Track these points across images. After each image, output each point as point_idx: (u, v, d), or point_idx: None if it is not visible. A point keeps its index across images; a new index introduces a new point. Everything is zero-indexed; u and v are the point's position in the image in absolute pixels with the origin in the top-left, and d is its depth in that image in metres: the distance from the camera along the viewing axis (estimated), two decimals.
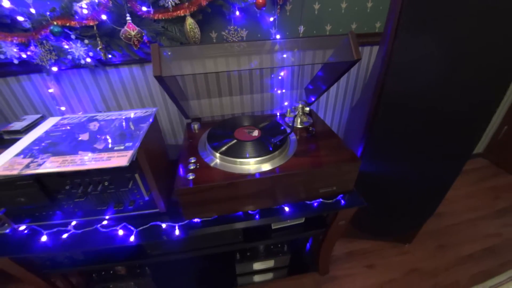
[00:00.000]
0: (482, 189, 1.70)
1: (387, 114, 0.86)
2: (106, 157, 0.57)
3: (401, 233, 1.23)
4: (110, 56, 0.90)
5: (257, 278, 1.11)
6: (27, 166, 0.56)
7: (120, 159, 0.57)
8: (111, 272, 0.99)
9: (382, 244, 1.32)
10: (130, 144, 0.62)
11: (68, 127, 0.72)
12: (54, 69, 0.89)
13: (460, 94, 0.77)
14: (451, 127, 0.84)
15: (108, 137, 0.66)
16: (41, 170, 0.55)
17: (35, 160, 0.58)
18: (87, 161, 0.57)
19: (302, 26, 1.02)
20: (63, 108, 0.99)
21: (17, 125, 0.72)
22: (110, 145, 0.62)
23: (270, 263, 1.09)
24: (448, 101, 0.79)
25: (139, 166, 0.68)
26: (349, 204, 0.83)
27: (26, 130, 0.72)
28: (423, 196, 1.04)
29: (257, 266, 1.08)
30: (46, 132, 0.70)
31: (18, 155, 0.61)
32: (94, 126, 0.72)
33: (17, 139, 0.71)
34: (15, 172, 0.55)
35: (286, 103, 1.20)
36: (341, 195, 0.84)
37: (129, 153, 0.58)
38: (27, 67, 0.91)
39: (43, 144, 0.64)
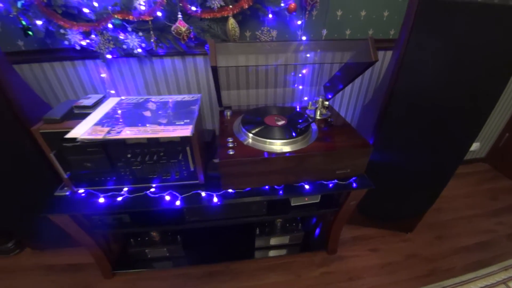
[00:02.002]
0: (482, 190, 1.86)
1: (397, 111, 1.02)
2: (172, 129, 0.74)
3: (404, 219, 1.39)
4: (158, 48, 1.07)
5: (272, 253, 1.27)
6: (109, 132, 0.72)
7: (184, 131, 0.73)
8: (146, 238, 1.16)
9: (385, 232, 1.48)
10: (188, 120, 0.78)
11: (130, 106, 0.88)
12: (109, 56, 1.06)
13: (460, 93, 0.94)
14: (453, 122, 1.00)
15: (168, 113, 0.82)
16: (121, 136, 0.71)
17: (113, 129, 0.74)
18: (156, 131, 0.73)
19: (325, 30, 1.18)
20: (112, 91, 1.16)
21: (85, 102, 0.88)
22: (173, 120, 0.78)
23: (285, 239, 1.25)
24: (450, 99, 0.95)
25: (189, 140, 0.84)
26: (360, 186, 0.99)
27: (94, 106, 0.88)
28: (426, 184, 1.20)
29: (273, 241, 1.24)
30: (113, 108, 0.86)
31: (95, 124, 0.77)
32: (152, 105, 0.88)
33: (86, 113, 0.87)
34: (100, 137, 0.71)
35: (305, 98, 1.37)
36: (353, 178, 1.01)
37: (190, 127, 0.75)
38: (83, 53, 1.07)
39: (115, 117, 0.81)
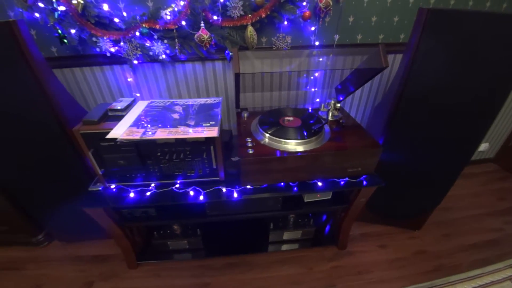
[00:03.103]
0: (490, 190, 1.91)
1: (406, 112, 1.09)
2: (201, 130, 0.83)
3: (412, 216, 1.46)
4: (181, 54, 1.16)
5: (285, 247, 1.36)
6: (144, 133, 0.82)
7: (211, 132, 0.82)
8: (168, 231, 1.26)
9: (393, 229, 1.55)
10: (213, 122, 0.88)
11: (159, 109, 0.98)
12: (135, 62, 1.16)
13: (468, 95, 1.01)
14: (460, 123, 1.07)
15: (195, 115, 0.92)
16: (155, 136, 0.81)
17: (147, 130, 0.84)
18: (187, 132, 0.82)
19: (337, 35, 1.26)
20: (137, 94, 1.26)
21: (118, 105, 0.98)
22: (200, 122, 0.87)
23: (297, 234, 1.34)
24: (458, 101, 1.02)
25: (214, 140, 0.93)
26: (370, 184, 1.07)
27: (126, 109, 0.98)
28: (433, 183, 1.27)
29: (286, 235, 1.33)
30: (144, 111, 0.96)
31: (131, 126, 0.87)
32: (179, 108, 0.98)
33: (119, 116, 0.97)
34: (137, 137, 0.81)
35: (317, 100, 1.45)
36: (364, 176, 1.09)
37: (216, 128, 0.84)
38: (112, 59, 1.17)
39: (147, 119, 0.91)
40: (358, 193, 1.13)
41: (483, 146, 2.03)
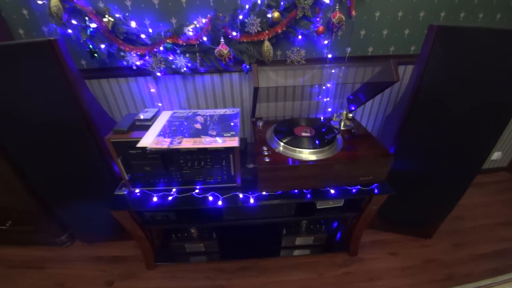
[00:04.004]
0: (502, 199, 1.92)
1: (417, 122, 1.14)
2: (222, 140, 0.91)
3: (423, 225, 1.50)
4: (201, 67, 1.25)
5: (296, 252, 1.42)
6: (171, 143, 0.90)
7: (232, 142, 0.90)
8: (185, 234, 1.34)
9: (404, 237, 1.59)
10: (234, 133, 0.95)
11: (182, 119, 1.06)
12: (158, 74, 1.25)
13: (478, 106, 1.05)
14: (471, 133, 1.11)
15: (216, 126, 1.00)
16: (182, 146, 0.89)
17: (174, 140, 0.92)
18: (210, 142, 0.90)
19: (349, 48, 1.33)
20: (159, 104, 1.36)
21: (144, 115, 1.07)
22: (221, 132, 0.95)
23: (309, 240, 1.39)
24: (468, 111, 1.06)
25: (232, 149, 1.01)
26: (381, 192, 1.13)
27: (152, 119, 1.07)
28: (444, 192, 1.31)
29: (299, 241, 1.39)
30: (169, 121, 1.05)
31: (158, 135, 0.95)
32: (200, 118, 1.06)
33: (146, 125, 1.05)
34: (165, 146, 0.89)
35: (329, 109, 1.52)
36: (375, 184, 1.14)
37: (237, 138, 0.91)
38: (136, 71, 1.27)
39: (172, 129, 0.99)
40: (369, 200, 1.18)
41: (496, 155, 2.05)
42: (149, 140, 0.92)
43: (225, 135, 0.94)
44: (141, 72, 1.26)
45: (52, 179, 1.22)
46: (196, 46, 1.17)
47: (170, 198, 1.10)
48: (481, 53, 0.96)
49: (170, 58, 1.21)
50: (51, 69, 0.95)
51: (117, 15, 1.12)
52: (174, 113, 1.12)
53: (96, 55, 1.17)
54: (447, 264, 1.46)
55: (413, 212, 1.45)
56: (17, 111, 1.02)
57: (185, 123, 1.05)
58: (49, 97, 1.00)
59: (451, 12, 1.34)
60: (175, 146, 0.89)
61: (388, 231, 1.61)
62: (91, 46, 1.16)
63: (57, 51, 0.94)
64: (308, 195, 1.12)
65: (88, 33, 1.13)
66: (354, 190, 1.13)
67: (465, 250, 1.54)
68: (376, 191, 1.13)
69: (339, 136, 1.18)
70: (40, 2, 1.10)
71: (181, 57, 1.19)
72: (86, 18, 1.10)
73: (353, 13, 1.23)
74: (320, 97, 1.49)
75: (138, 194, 1.13)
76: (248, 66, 1.25)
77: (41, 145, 1.11)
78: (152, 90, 1.32)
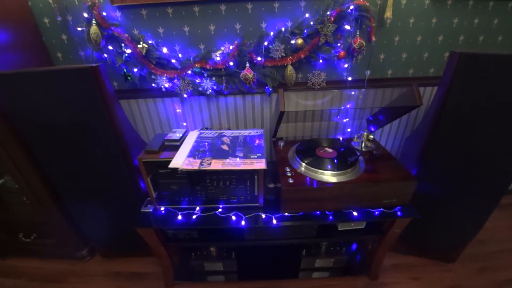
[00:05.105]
0: None
1: (440, 144, 1.15)
2: (250, 162, 0.95)
3: (446, 248, 1.48)
4: (226, 89, 1.32)
5: (316, 274, 1.41)
6: (201, 164, 0.95)
7: (260, 164, 0.94)
8: (205, 253, 1.36)
9: (426, 261, 1.56)
10: (260, 154, 1.00)
11: (209, 140, 1.12)
12: (185, 95, 1.33)
13: (504, 129, 1.06)
14: (496, 153, 1.11)
15: (241, 148, 1.04)
16: (211, 167, 0.94)
17: (203, 161, 0.97)
18: (238, 164, 0.95)
19: (368, 71, 1.38)
20: (184, 124, 1.43)
21: (173, 136, 1.13)
22: (247, 154, 1.00)
23: (329, 262, 1.39)
24: (494, 134, 1.07)
25: (257, 170, 1.05)
26: (404, 215, 1.13)
27: (180, 139, 1.13)
28: (469, 215, 1.30)
29: (318, 263, 1.39)
30: (196, 142, 1.10)
31: (188, 156, 1.00)
32: (226, 140, 1.12)
33: (175, 146, 1.11)
34: (195, 168, 0.94)
35: (349, 130, 1.55)
36: (399, 207, 1.15)
37: (263, 161, 0.96)
38: (164, 93, 1.35)
39: (200, 150, 1.04)
40: (392, 223, 1.18)
41: None
42: (179, 161, 0.97)
43: (251, 156, 0.99)
44: (169, 93, 1.34)
45: (80, 193, 1.28)
46: (223, 70, 1.25)
47: (194, 216, 1.13)
48: (503, 77, 0.99)
49: (197, 81, 1.29)
50: (92, 90, 1.02)
51: (150, 42, 1.22)
52: (201, 133, 1.18)
53: (129, 78, 1.26)
54: None
55: (436, 235, 1.43)
56: (55, 125, 1.08)
57: (212, 144, 1.10)
58: (88, 115, 1.07)
59: (470, 35, 1.38)
60: (205, 167, 0.94)
61: (409, 254, 1.58)
62: (125, 70, 1.25)
63: (98, 75, 1.02)
64: (330, 217, 1.13)
65: (124, 58, 1.23)
66: (376, 213, 1.14)
67: (490, 275, 1.50)
68: (399, 213, 1.14)
69: (361, 158, 1.21)
70: (80, 29, 1.21)
71: (208, 80, 1.27)
72: (122, 44, 1.20)
73: (373, 38, 1.29)
74: (339, 117, 1.53)
75: (163, 211, 1.17)
76: (271, 89, 1.31)
77: (73, 160, 1.17)
78: (178, 111, 1.40)
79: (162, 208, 1.17)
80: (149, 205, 1.19)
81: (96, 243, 1.53)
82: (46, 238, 1.51)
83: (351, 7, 1.18)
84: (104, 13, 1.17)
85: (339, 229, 1.24)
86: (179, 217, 1.13)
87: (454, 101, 1.07)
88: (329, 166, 1.10)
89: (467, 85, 1.04)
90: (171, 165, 0.95)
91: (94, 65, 1.00)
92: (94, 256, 1.61)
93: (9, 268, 1.58)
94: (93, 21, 1.15)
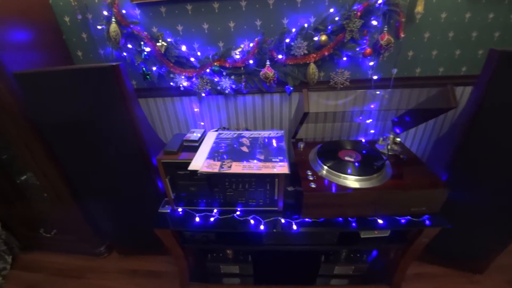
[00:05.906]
0: None
1: (474, 147, 1.07)
2: (271, 166, 0.92)
3: (474, 259, 1.39)
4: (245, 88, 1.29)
5: (334, 281, 1.37)
6: (221, 167, 0.93)
7: (282, 168, 0.90)
8: (221, 255, 1.35)
9: (451, 271, 1.48)
10: (282, 157, 0.96)
11: (228, 141, 1.10)
12: (203, 94, 1.31)
13: None
14: None
15: (262, 150, 1.01)
16: (231, 171, 0.91)
17: (223, 163, 0.94)
18: (259, 167, 0.91)
19: (395, 69, 1.31)
20: (202, 123, 1.42)
21: (192, 136, 1.12)
22: (268, 156, 0.97)
23: (349, 270, 1.34)
24: None
25: (277, 174, 1.01)
26: (433, 224, 1.07)
27: (199, 140, 1.11)
28: (501, 224, 1.21)
29: (337, 270, 1.34)
30: (215, 143, 1.08)
31: (207, 158, 0.98)
32: (246, 141, 1.09)
33: (193, 146, 1.09)
34: (216, 170, 0.91)
35: (372, 131, 1.49)
36: (427, 216, 1.08)
37: (286, 164, 0.92)
38: (182, 92, 1.33)
39: (220, 151, 1.02)
40: (419, 232, 1.12)
41: None
42: (199, 162, 0.95)
43: (273, 160, 0.95)
44: (187, 92, 1.33)
45: (98, 191, 1.29)
46: (242, 68, 1.22)
47: (212, 219, 1.12)
48: None
49: (216, 79, 1.26)
50: (112, 89, 1.01)
51: (169, 40, 1.20)
52: (219, 134, 1.16)
53: (148, 77, 1.25)
54: None
55: (463, 244, 1.35)
56: (75, 123, 1.07)
57: (232, 145, 1.07)
58: (108, 114, 1.06)
59: (506, 31, 1.28)
60: (225, 170, 0.91)
61: (433, 263, 1.51)
62: (144, 69, 1.24)
63: (118, 74, 1.01)
64: (353, 224, 1.09)
65: (143, 56, 1.22)
66: (403, 221, 1.08)
67: None
68: (427, 222, 1.07)
69: (387, 162, 1.15)
70: (99, 27, 1.21)
71: (227, 79, 1.24)
72: (141, 42, 1.19)
73: (402, 34, 1.22)
74: (361, 118, 1.47)
75: (181, 213, 1.16)
76: (291, 88, 1.27)
77: (92, 158, 1.17)
78: (196, 110, 1.39)
79: (180, 209, 1.16)
80: (166, 206, 1.19)
81: (114, 240, 1.55)
82: (66, 234, 1.54)
83: (380, 1, 1.11)
84: (124, 11, 1.17)
85: (362, 236, 1.19)
86: (197, 219, 1.12)
87: (493, 102, 1.00)
88: (350, 170, 1.05)
89: (507, 85, 0.96)
90: (191, 167, 0.93)
91: (114, 64, 0.99)
92: (111, 253, 1.64)
93: (29, 263, 1.63)
94: (113, 19, 1.14)
